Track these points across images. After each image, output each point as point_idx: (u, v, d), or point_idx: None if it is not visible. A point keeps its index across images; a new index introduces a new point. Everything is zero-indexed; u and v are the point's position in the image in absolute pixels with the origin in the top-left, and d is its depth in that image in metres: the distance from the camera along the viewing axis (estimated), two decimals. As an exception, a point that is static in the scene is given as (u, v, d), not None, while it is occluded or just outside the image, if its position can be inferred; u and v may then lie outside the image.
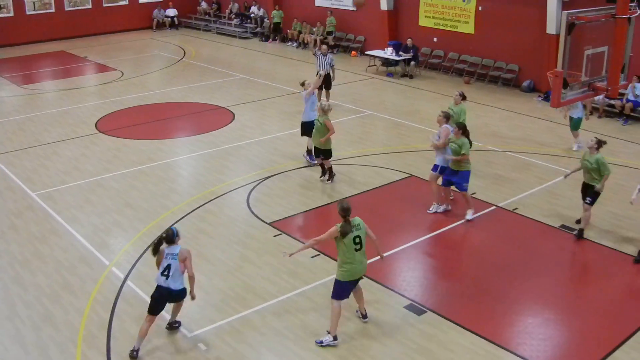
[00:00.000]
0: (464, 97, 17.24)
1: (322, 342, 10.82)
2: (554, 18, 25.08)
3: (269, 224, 15.02)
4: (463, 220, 15.12)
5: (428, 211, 15.44)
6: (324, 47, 24.51)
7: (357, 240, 10.70)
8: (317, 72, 22.89)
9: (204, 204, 16.05)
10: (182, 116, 23.42)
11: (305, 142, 18.52)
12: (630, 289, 12.57)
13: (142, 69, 30.96)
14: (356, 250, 10.68)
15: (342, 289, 10.81)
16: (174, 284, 10.51)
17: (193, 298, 10.74)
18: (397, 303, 12.00)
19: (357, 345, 10.85)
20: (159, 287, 10.55)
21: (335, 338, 10.81)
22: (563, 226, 14.90)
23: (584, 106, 19.07)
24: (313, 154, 17.79)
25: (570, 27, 13.89)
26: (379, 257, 11.41)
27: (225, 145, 20.10)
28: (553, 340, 11.04)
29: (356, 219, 10.83)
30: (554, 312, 11.83)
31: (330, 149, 17.03)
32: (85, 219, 15.37)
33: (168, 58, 33.51)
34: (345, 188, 16.88)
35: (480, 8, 28.31)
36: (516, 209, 15.72)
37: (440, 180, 15.46)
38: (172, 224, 14.84)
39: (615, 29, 14.64)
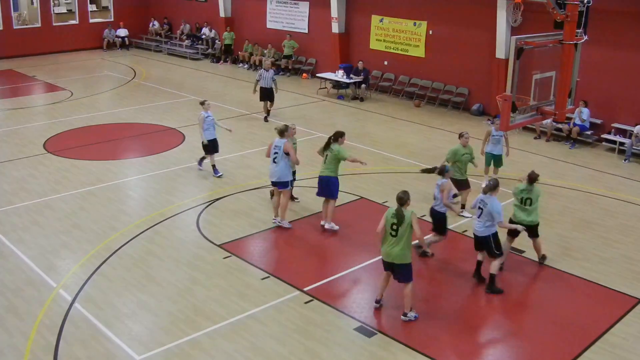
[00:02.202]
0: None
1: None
2: (503, 43, 25.54)
3: (219, 245, 14.98)
4: (414, 242, 15.22)
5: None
6: (268, 62, 26.07)
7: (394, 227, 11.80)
8: (255, 84, 25.21)
9: (153, 226, 15.96)
10: (132, 137, 23.28)
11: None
12: (579, 309, 12.78)
13: (92, 89, 30.72)
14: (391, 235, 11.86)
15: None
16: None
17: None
18: (347, 325, 12.04)
19: (307, 368, 10.88)
20: None
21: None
22: (512, 248, 15.09)
23: (506, 140, 18.91)
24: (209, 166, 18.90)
25: (519, 51, 14.15)
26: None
27: (175, 166, 20.03)
28: (500, 361, 11.19)
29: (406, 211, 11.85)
30: (504, 333, 11.99)
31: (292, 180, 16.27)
32: (32, 240, 15.17)
33: (118, 78, 33.31)
34: (297, 210, 16.92)
35: (430, 32, 28.70)
36: (465, 231, 15.90)
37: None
38: (121, 246, 14.75)
39: (563, 55, 14.95)
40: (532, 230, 14.13)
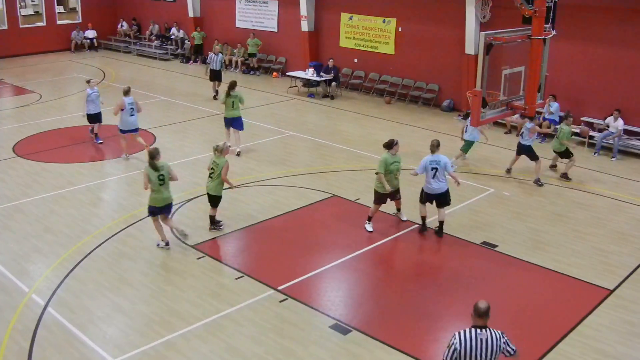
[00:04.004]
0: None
1: None
2: (473, 39, 25.69)
3: (192, 246, 14.93)
4: (387, 239, 15.32)
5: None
6: (217, 47, 30.50)
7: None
8: (207, 68, 29.70)
9: (125, 228, 15.87)
10: (102, 139, 23.12)
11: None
12: (552, 302, 12.88)
13: (61, 92, 30.48)
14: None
15: None
16: None
17: None
18: (322, 323, 12.05)
19: (283, 366, 10.88)
20: None
21: None
22: (485, 242, 15.21)
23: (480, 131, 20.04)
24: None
25: (488, 47, 14.28)
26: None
27: (147, 167, 19.90)
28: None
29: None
30: (476, 327, 12.05)
31: (221, 197, 15.69)
32: (3, 245, 15.01)
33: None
34: (268, 209, 16.91)
35: (400, 29, 28.82)
36: (438, 226, 15.97)
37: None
38: (93, 249, 14.67)
39: (531, 50, 15.11)
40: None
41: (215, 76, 29.44)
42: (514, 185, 18.80)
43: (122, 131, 20.74)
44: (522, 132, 18.52)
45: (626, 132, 21.87)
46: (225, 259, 14.50)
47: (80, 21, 42.28)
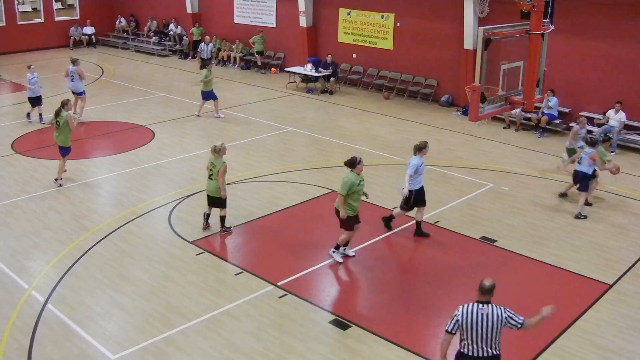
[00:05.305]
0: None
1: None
2: (471, 34, 25.67)
3: (191, 242, 14.94)
4: (386, 235, 15.33)
5: None
6: (207, 38, 33.61)
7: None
8: (197, 56, 33.79)
9: (124, 224, 15.87)
10: (101, 135, 23.13)
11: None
12: (551, 296, 12.89)
13: (59, 88, 30.35)
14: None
15: None
16: None
17: None
18: (322, 318, 12.06)
19: (283, 362, 10.90)
20: None
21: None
22: (484, 237, 15.22)
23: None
24: None
25: (487, 42, 14.25)
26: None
27: (145, 164, 19.93)
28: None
29: None
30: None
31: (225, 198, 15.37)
32: (2, 242, 15.01)
33: (86, 76, 32.94)
34: (267, 205, 16.91)
35: (398, 24, 28.78)
36: (437, 222, 15.99)
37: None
38: (92, 245, 14.67)
39: (530, 45, 15.08)
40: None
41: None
42: (513, 181, 18.80)
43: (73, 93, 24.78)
44: (582, 158, 16.79)
45: (625, 126, 21.87)
46: (224, 255, 14.51)
47: (78, 17, 42.20)
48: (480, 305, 8.58)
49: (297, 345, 11.25)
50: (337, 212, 13.63)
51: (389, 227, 15.55)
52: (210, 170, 15.01)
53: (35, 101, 24.50)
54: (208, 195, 15.27)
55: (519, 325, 8.62)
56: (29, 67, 24.74)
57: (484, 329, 8.50)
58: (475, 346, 8.59)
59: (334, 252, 14.08)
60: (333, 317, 12.09)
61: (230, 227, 15.53)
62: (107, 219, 16.19)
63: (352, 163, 13.58)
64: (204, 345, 11.23)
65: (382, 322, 11.97)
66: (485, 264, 14.14)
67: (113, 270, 13.72)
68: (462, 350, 8.75)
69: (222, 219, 15.38)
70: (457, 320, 8.58)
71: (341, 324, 11.86)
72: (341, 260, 14.03)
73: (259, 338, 11.41)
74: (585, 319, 12.11)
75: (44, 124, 24.02)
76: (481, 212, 16.67)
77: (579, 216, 16.48)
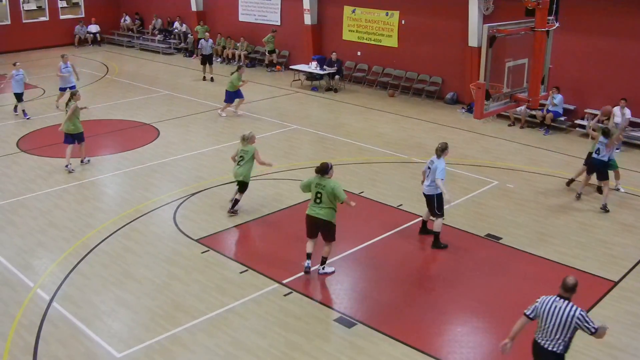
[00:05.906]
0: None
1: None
2: (476, 31, 25.61)
3: (197, 240, 14.95)
4: (391, 232, 15.32)
5: None
6: (207, 34, 33.05)
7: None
8: (198, 53, 33.17)
9: (130, 222, 15.89)
10: (106, 133, 23.14)
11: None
12: (556, 293, 12.84)
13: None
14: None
15: None
16: None
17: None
18: (327, 316, 12.06)
19: (288, 360, 10.90)
20: None
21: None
22: (489, 235, 15.20)
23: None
24: None
25: (492, 39, 14.23)
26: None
27: (151, 162, 19.94)
28: (482, 348, 11.24)
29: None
30: (482, 320, 12.05)
31: (248, 183, 16.20)
32: (7, 240, 15.04)
33: (91, 75, 33.08)
34: (272, 203, 16.91)
35: (403, 22, 28.76)
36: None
37: None
38: (98, 244, 14.69)
39: (535, 42, 15.06)
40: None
41: (205, 60, 32.10)
42: (518, 178, 18.77)
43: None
44: (598, 149, 16.73)
45: (630, 123, 21.80)
46: (229, 252, 14.52)
47: (83, 16, 42.29)
48: (558, 299, 8.92)
49: (302, 343, 11.24)
50: (327, 223, 13.37)
51: (426, 232, 15.23)
52: (241, 157, 15.98)
53: (20, 97, 25.22)
54: (237, 181, 16.15)
55: (593, 330, 8.80)
56: (14, 65, 25.44)
57: (554, 323, 8.82)
58: (543, 336, 8.99)
59: (323, 267, 13.57)
60: (338, 314, 12.09)
61: (237, 210, 16.26)
62: (113, 217, 16.21)
63: (325, 170, 13.57)
64: (210, 343, 11.24)
65: (388, 320, 11.96)
66: (490, 262, 14.13)
67: (118, 268, 13.74)
68: (535, 337, 9.18)
69: (237, 202, 16.27)
70: (536, 307, 9.04)
71: (346, 322, 11.85)
72: (333, 269, 13.70)
73: (265, 336, 11.41)
74: (591, 316, 12.02)
75: (28, 118, 24.93)
76: (486, 210, 16.65)
77: (604, 208, 16.62)
